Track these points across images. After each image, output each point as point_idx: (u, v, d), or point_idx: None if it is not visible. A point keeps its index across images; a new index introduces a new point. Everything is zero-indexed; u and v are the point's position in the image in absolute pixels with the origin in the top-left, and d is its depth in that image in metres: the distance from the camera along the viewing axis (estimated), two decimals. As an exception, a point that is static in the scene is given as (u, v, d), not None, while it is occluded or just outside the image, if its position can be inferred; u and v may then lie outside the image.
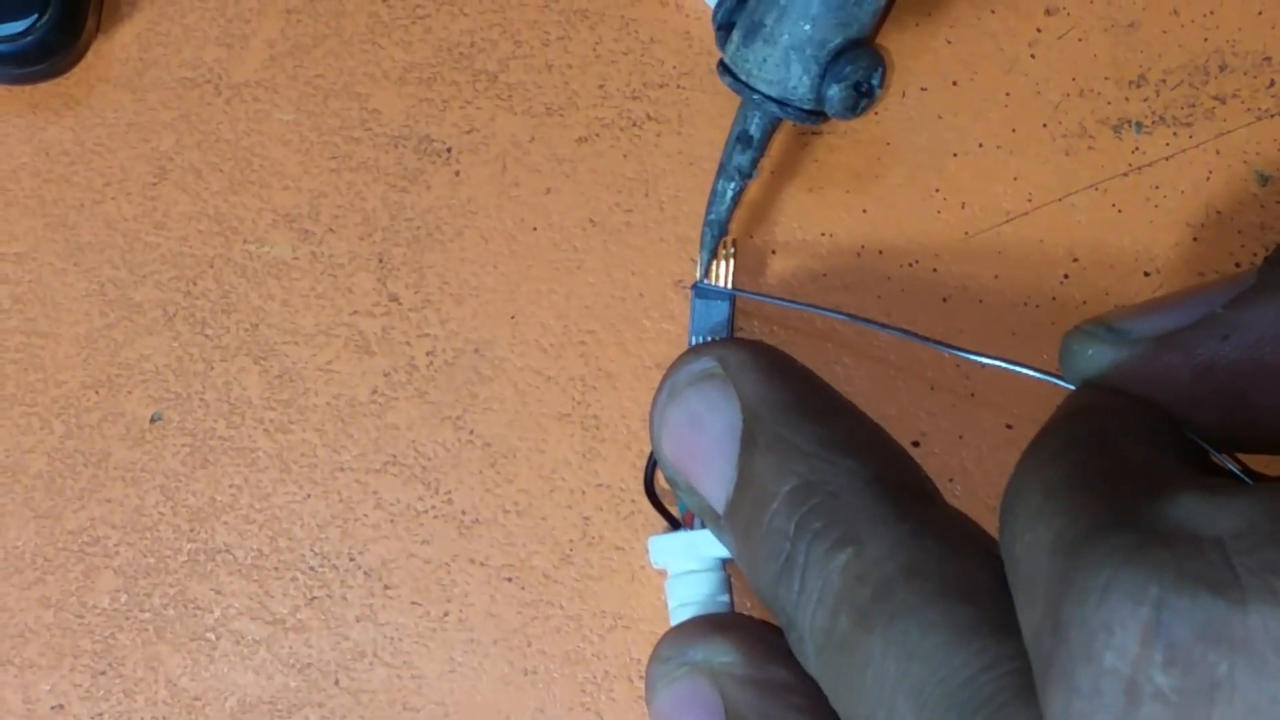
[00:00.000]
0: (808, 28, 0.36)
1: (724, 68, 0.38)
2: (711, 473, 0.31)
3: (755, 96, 0.37)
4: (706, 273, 0.39)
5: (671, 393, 0.33)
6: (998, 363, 0.34)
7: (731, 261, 0.39)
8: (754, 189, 0.40)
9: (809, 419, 0.30)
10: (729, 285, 0.39)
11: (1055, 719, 0.20)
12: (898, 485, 0.28)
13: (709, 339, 0.39)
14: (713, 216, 0.39)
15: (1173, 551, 0.20)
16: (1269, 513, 0.20)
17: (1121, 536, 0.21)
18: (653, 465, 0.39)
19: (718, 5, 0.38)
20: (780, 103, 0.37)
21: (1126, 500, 0.22)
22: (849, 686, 0.25)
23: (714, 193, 0.38)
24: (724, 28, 0.38)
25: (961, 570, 0.25)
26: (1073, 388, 0.30)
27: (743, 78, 0.37)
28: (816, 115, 0.37)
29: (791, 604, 0.28)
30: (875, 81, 0.37)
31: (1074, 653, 0.20)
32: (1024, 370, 0.34)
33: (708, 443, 0.31)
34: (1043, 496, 0.23)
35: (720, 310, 0.39)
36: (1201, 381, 0.26)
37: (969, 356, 0.35)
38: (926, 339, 0.37)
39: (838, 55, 0.36)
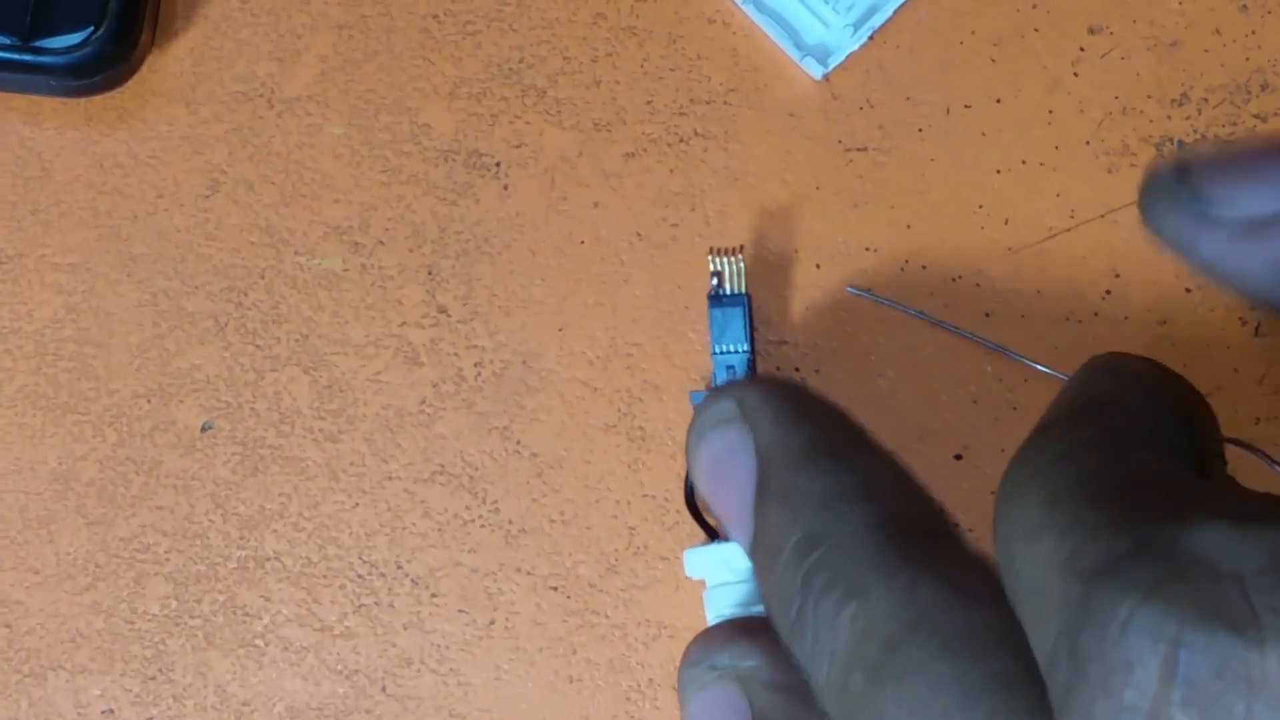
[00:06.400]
0: None
1: None
2: (735, 518, 0.32)
3: None
4: (719, 280, 0.40)
5: (698, 435, 0.33)
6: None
7: (742, 265, 0.40)
8: (801, 204, 0.41)
9: (819, 464, 0.30)
10: (742, 289, 0.40)
11: None
12: (906, 528, 0.28)
13: (730, 348, 0.40)
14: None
15: (1192, 586, 0.20)
16: None
17: (1141, 569, 0.21)
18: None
19: None
20: None
21: (1145, 526, 0.22)
22: None
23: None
24: None
25: (969, 621, 0.25)
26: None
27: None
28: None
29: (806, 658, 0.28)
30: None
31: (1093, 687, 0.20)
32: None
33: (730, 489, 0.32)
34: (1046, 506, 0.23)
35: (735, 317, 0.40)
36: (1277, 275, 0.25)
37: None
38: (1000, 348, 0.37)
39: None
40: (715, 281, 0.40)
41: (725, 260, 0.40)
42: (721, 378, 0.40)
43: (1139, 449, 0.24)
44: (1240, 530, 0.21)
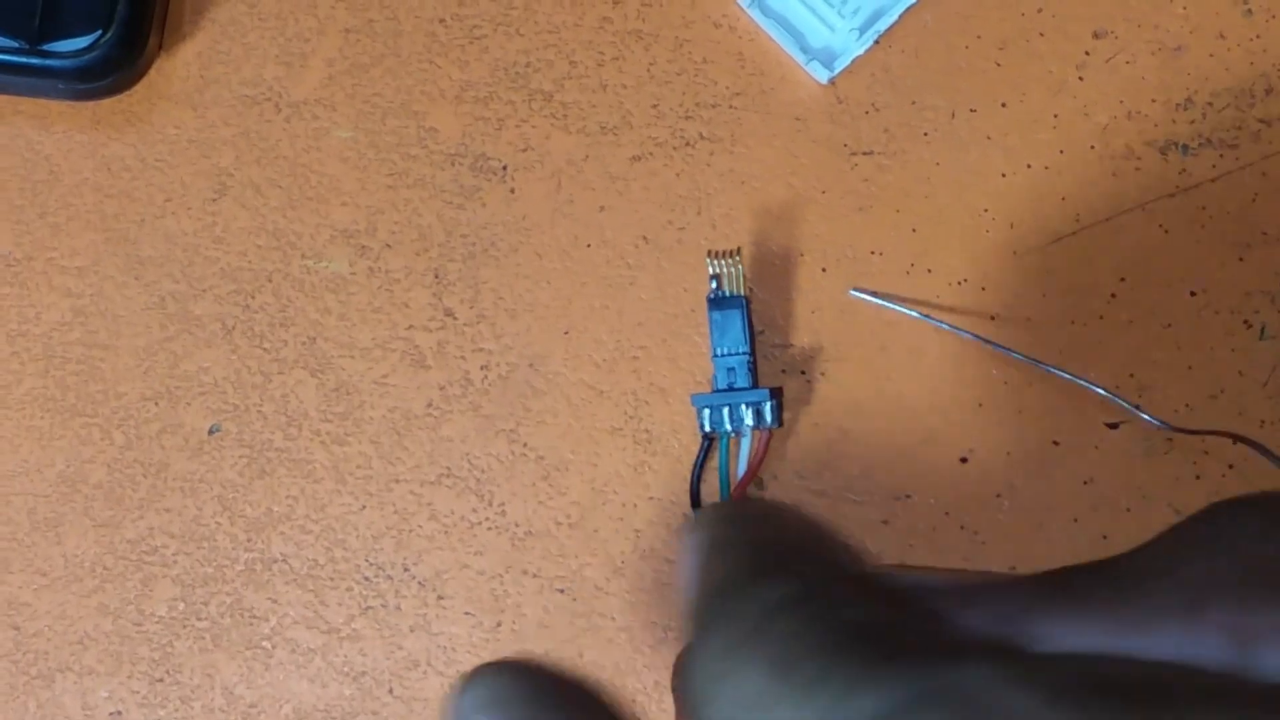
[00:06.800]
0: None
1: None
2: None
3: None
4: (718, 282, 0.40)
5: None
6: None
7: (740, 267, 0.40)
8: (806, 207, 0.41)
9: None
10: (741, 291, 0.40)
11: None
12: None
13: (730, 350, 0.40)
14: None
15: None
16: (1078, 680, 0.21)
17: (933, 714, 0.21)
18: (698, 479, 0.40)
19: None
20: None
21: (916, 671, 0.22)
22: None
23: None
24: None
25: None
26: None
27: None
28: None
29: None
30: None
31: None
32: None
33: None
34: (770, 672, 0.22)
35: (734, 319, 0.40)
36: None
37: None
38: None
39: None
40: (714, 284, 0.40)
41: (723, 262, 0.40)
42: (723, 380, 0.40)
43: (832, 595, 0.24)
44: (1013, 668, 0.21)
